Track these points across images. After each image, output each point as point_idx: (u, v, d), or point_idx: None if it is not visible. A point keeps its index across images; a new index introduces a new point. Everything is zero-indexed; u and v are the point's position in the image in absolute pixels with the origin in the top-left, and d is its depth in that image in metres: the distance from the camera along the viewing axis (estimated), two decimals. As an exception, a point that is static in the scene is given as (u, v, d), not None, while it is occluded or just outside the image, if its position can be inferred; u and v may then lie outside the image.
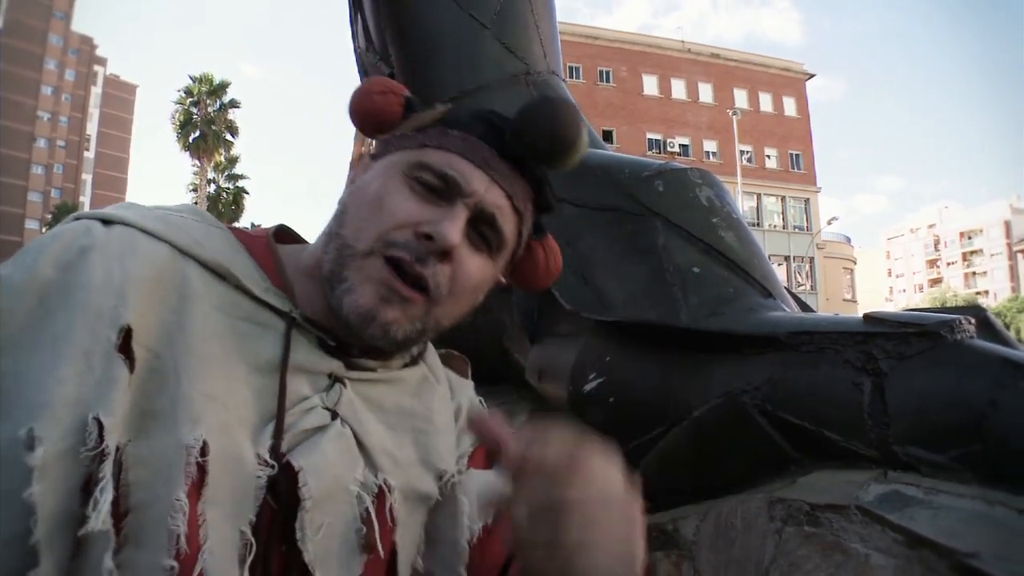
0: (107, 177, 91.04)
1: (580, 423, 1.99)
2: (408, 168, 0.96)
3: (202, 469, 0.78)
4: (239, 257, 0.94)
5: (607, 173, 2.14)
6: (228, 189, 46.52)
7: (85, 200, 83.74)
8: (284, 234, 1.10)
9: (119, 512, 0.74)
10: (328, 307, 0.94)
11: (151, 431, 0.78)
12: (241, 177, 47.34)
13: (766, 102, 49.09)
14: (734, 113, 40.55)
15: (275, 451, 0.85)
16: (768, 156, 47.95)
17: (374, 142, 1.10)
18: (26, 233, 75.70)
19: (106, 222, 0.87)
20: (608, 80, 45.16)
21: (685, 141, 45.93)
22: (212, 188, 45.78)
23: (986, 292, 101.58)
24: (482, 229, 0.97)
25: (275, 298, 0.93)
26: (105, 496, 0.71)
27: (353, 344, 0.97)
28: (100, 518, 0.70)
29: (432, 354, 1.13)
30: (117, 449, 0.75)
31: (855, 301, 51.58)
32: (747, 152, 45.96)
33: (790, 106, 49.80)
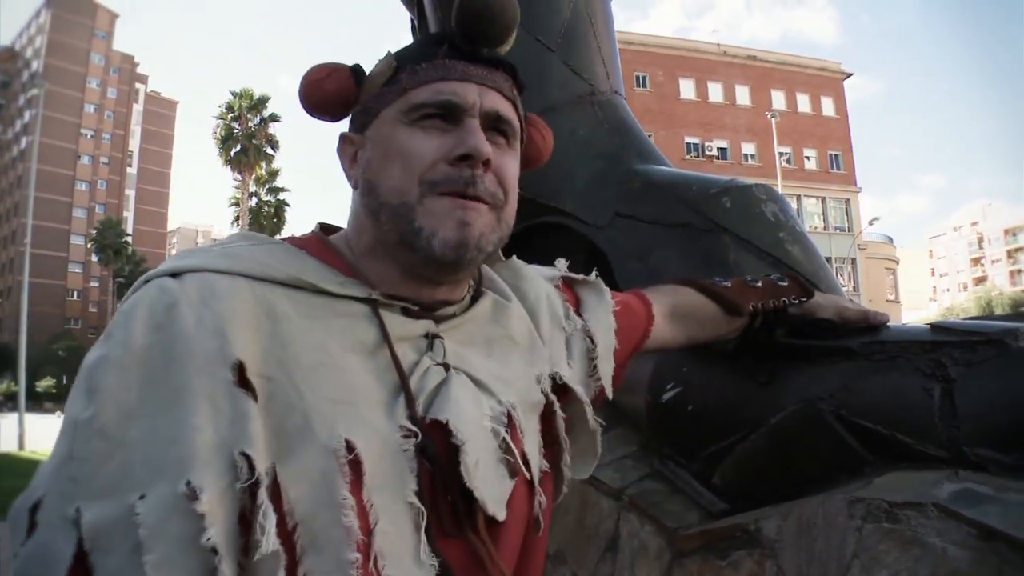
0: (149, 192, 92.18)
1: (658, 430, 2.08)
2: (405, 115, 1.01)
3: (354, 464, 0.85)
4: (307, 263, 0.99)
5: (675, 190, 2.22)
6: (269, 202, 46.86)
7: (128, 215, 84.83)
8: (327, 229, 1.15)
9: (287, 530, 0.80)
10: (400, 276, 1.03)
11: (294, 449, 0.84)
12: (282, 190, 47.73)
13: (804, 103, 48.66)
14: (772, 115, 40.21)
15: (413, 418, 0.92)
16: (807, 157, 47.54)
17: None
18: (71, 248, 76.76)
19: (174, 275, 0.90)
20: (644, 85, 45.02)
21: (723, 144, 45.67)
22: (253, 202, 46.12)
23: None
24: (496, 127, 1.04)
25: (353, 288, 0.98)
26: (269, 520, 0.77)
27: (432, 303, 1.05)
28: (270, 541, 0.77)
29: (490, 278, 1.20)
30: (267, 474, 0.80)
31: (898, 302, 50.91)
32: (786, 154, 45.58)
33: (828, 106, 49.33)
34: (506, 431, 1.02)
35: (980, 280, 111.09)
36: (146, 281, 0.91)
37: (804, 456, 1.66)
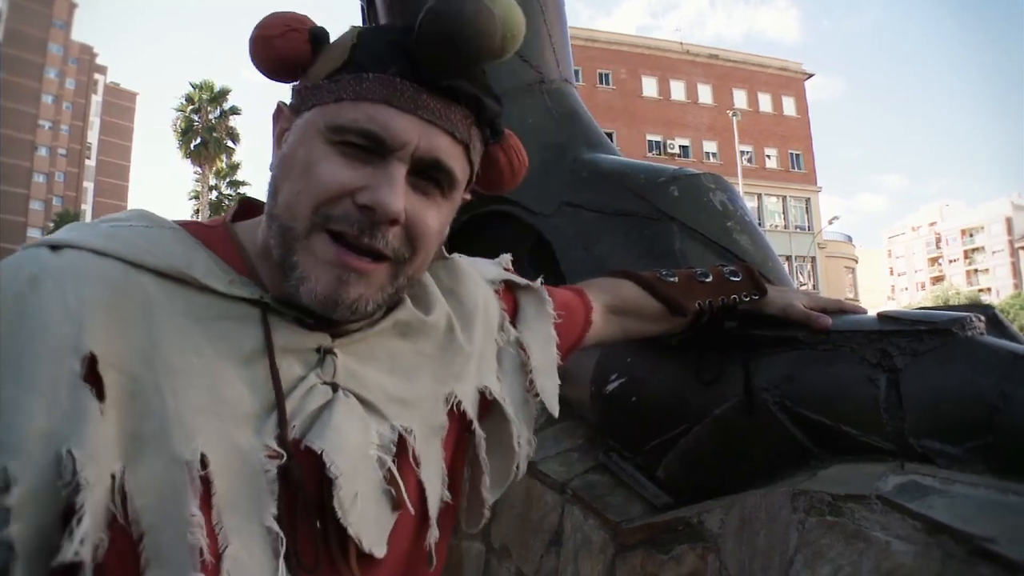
0: (108, 185, 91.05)
1: (602, 422, 2.04)
2: (328, 131, 0.89)
3: (207, 481, 0.80)
4: (196, 255, 0.90)
5: (623, 179, 2.19)
6: (230, 196, 46.49)
7: (87, 208, 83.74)
8: (250, 207, 1.07)
9: (131, 540, 0.76)
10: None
11: (145, 455, 0.78)
12: (243, 184, 47.33)
13: (765, 102, 49.16)
14: (734, 114, 40.56)
15: (282, 439, 0.86)
16: (768, 156, 48.03)
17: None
18: (28, 241, 75.57)
19: (54, 248, 0.84)
20: (608, 83, 45.21)
21: (685, 142, 46.02)
22: (214, 195, 45.78)
23: (988, 289, 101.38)
24: (428, 173, 0.92)
25: (242, 288, 0.90)
26: (82, 526, 0.72)
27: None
28: (72, 548, 0.71)
29: (421, 283, 1.09)
30: (113, 477, 0.76)
31: (857, 300, 51.43)
32: (747, 152, 46.03)
33: (789, 106, 49.88)
34: (393, 460, 0.95)
35: (938, 279, 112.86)
36: (26, 248, 0.84)
37: (748, 448, 1.63)
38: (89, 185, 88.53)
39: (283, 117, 0.98)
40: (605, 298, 1.46)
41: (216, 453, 0.81)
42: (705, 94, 47.83)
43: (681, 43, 48.61)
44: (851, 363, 1.49)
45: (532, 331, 1.23)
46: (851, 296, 49.83)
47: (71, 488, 0.72)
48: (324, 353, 0.94)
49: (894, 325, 1.48)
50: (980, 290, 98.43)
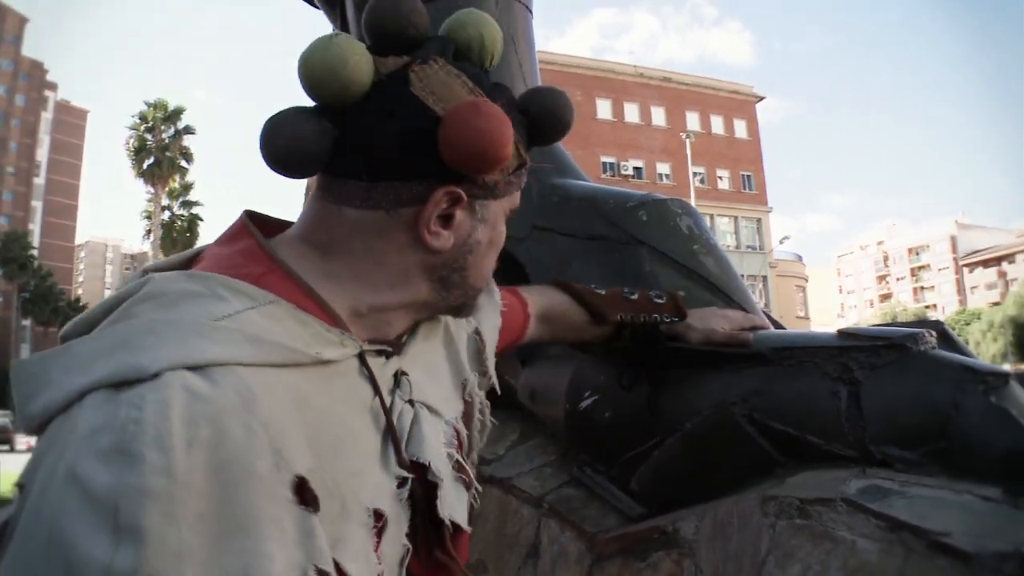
0: (58, 204, 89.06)
1: (577, 437, 2.10)
2: (510, 213, 1.09)
3: (382, 528, 0.92)
4: (308, 327, 0.89)
5: (593, 204, 2.25)
6: (183, 216, 45.97)
7: (35, 228, 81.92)
8: (256, 221, 1.03)
9: None
10: (398, 321, 1.04)
11: (343, 534, 0.85)
12: (195, 204, 46.76)
13: (717, 125, 49.49)
14: (687, 136, 40.87)
15: (402, 464, 0.95)
16: (720, 177, 48.31)
17: None
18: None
19: (193, 368, 0.75)
20: (562, 104, 45.09)
21: (639, 164, 46.09)
22: (166, 215, 45.23)
23: (934, 306, 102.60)
24: None
25: (350, 345, 0.93)
26: None
27: (396, 337, 1.06)
28: None
29: None
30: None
31: (808, 318, 51.92)
32: (700, 174, 46.18)
33: (741, 128, 50.28)
34: (458, 452, 1.08)
35: (886, 297, 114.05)
36: (156, 374, 0.73)
37: (718, 459, 1.70)
38: (37, 204, 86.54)
39: (455, 200, 0.98)
40: (539, 301, 1.57)
41: (381, 503, 0.92)
42: (659, 116, 48.07)
43: (635, 66, 48.92)
44: (815, 377, 1.57)
45: (485, 318, 1.34)
46: (802, 315, 50.30)
47: None
48: (397, 376, 1.02)
49: (853, 341, 1.57)
50: (927, 307, 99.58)
